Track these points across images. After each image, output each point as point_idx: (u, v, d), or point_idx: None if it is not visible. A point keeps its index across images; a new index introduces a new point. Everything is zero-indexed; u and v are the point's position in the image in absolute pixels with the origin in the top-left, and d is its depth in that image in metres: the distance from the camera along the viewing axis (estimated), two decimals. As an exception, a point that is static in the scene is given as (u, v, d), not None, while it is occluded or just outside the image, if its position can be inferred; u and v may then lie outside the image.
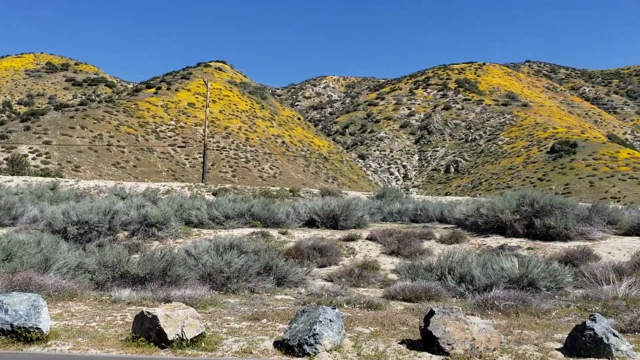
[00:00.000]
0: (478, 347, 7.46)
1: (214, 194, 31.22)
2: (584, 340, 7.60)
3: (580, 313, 10.46)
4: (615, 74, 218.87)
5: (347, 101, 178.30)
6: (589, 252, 15.56)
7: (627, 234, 18.89)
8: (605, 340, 7.46)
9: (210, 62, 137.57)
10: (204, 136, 48.97)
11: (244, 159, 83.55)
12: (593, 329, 7.56)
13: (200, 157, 65.98)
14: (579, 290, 12.58)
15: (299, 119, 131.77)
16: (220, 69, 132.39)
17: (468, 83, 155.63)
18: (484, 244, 17.64)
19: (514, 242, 17.53)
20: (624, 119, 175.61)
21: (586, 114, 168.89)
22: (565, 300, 11.73)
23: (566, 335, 8.19)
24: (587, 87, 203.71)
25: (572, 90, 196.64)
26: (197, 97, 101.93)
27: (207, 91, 50.26)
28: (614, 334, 7.65)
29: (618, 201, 64.07)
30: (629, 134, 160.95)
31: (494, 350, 7.60)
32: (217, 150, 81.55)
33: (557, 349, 7.96)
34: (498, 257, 13.48)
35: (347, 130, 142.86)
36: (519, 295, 10.98)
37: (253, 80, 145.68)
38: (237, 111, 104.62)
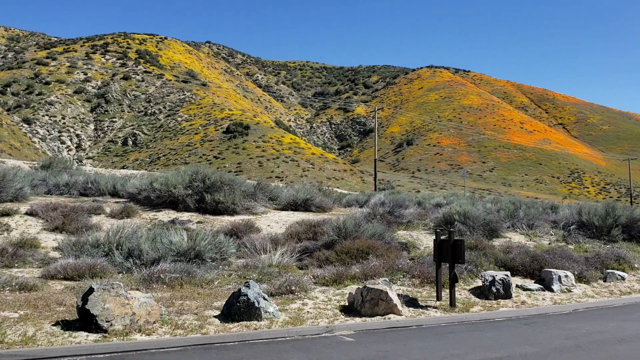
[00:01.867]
0: (138, 321, 7.40)
1: None
2: (239, 305, 8.28)
3: (240, 281, 11.34)
4: (283, 66, 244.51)
5: (10, 56, 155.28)
6: (252, 225, 17.01)
7: (284, 208, 21.33)
8: (256, 304, 8.26)
9: None
10: None
11: None
12: (247, 295, 8.29)
13: None
14: (241, 259, 13.64)
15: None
16: None
17: (149, 55, 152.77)
18: (156, 218, 17.63)
19: (185, 216, 17.98)
20: (289, 107, 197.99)
21: (258, 99, 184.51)
22: (228, 269, 12.58)
23: (224, 303, 8.79)
24: (260, 74, 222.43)
25: (247, 76, 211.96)
26: None
27: None
28: (264, 298, 8.54)
29: (281, 180, 71.88)
30: (292, 122, 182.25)
31: (154, 322, 7.66)
32: None
33: (215, 316, 8.48)
34: (168, 231, 13.63)
35: (8, 89, 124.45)
36: (185, 268, 11.33)
37: None
38: None
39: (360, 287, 9.91)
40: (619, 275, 14.09)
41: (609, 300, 12.16)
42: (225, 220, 17.87)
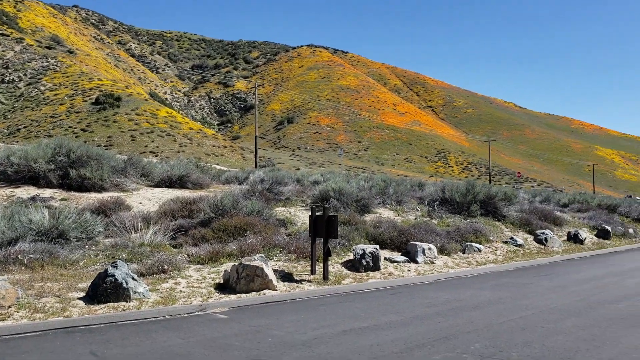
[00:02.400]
0: (-10, 307, 6.80)
1: None
2: (106, 286, 7.89)
3: (108, 261, 10.81)
4: (159, 36, 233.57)
5: None
6: (122, 202, 16.19)
7: (158, 185, 20.56)
8: (124, 285, 7.93)
9: None
10: None
11: None
12: (114, 275, 7.92)
13: None
14: (110, 239, 12.97)
15: None
16: None
17: (6, 16, 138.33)
18: (14, 195, 16.20)
19: (47, 192, 16.71)
20: (165, 79, 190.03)
21: (131, 69, 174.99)
22: (95, 249, 11.93)
23: (90, 284, 8.34)
24: (134, 43, 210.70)
25: (119, 45, 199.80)
26: None
27: None
28: (133, 278, 8.21)
29: (156, 155, 69.04)
30: (168, 94, 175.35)
31: (10, 307, 7.08)
32: None
33: (79, 298, 8.02)
34: (28, 209, 12.61)
35: None
36: (47, 248, 10.58)
37: None
38: None
39: (236, 264, 9.88)
40: (476, 247, 15.39)
41: (467, 270, 13.25)
42: (93, 197, 16.87)
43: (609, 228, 22.45)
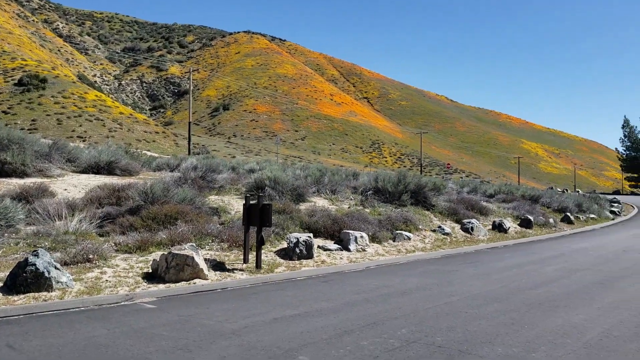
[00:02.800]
0: None
1: None
2: (26, 276, 7.53)
3: (29, 250, 10.31)
4: (89, 16, 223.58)
5: None
6: (45, 188, 15.45)
7: (84, 171, 19.78)
8: (46, 274, 7.59)
9: None
10: None
11: None
12: (35, 264, 7.57)
13: None
14: (32, 227, 12.37)
15: None
16: None
17: None
18: None
19: (-38, 178, 15.73)
20: (95, 61, 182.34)
21: (59, 50, 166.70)
22: (15, 238, 11.34)
23: (8, 274, 7.93)
24: (61, 23, 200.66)
25: (45, 24, 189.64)
26: None
27: None
28: (55, 267, 7.87)
29: (84, 140, 66.26)
30: (98, 77, 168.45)
31: None
32: None
33: (-4, 289, 7.62)
34: (-61, 195, 11.81)
35: None
36: (-40, 236, 9.96)
37: None
38: None
39: (166, 253, 9.67)
40: (406, 235, 15.78)
41: (397, 257, 13.58)
42: (14, 183, 16.03)
43: (531, 218, 23.58)
